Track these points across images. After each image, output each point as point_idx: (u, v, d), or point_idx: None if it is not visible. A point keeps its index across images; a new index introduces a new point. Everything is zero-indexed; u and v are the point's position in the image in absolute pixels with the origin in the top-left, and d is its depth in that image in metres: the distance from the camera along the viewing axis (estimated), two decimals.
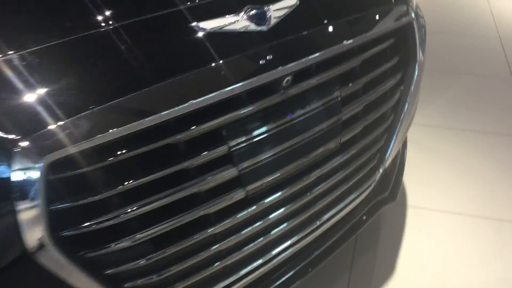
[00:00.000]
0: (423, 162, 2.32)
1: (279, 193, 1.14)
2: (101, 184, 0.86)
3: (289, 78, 1.06)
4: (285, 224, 1.21)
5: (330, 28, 1.16)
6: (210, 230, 1.02)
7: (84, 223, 0.85)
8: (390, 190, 1.68)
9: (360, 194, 1.42)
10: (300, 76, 1.09)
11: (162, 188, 0.92)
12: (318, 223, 1.29)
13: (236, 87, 0.95)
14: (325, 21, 1.15)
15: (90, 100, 0.81)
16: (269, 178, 1.10)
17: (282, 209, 1.18)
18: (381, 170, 1.47)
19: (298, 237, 1.28)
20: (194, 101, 0.89)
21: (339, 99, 1.19)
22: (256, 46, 1.01)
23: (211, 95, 0.91)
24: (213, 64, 0.93)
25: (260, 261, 1.20)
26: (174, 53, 0.93)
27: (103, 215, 0.86)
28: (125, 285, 0.97)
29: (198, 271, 1.07)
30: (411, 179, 2.20)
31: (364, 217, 1.57)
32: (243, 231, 1.10)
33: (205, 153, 0.96)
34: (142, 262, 0.95)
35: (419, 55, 1.43)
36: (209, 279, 1.12)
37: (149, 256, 0.95)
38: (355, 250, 1.84)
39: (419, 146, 2.43)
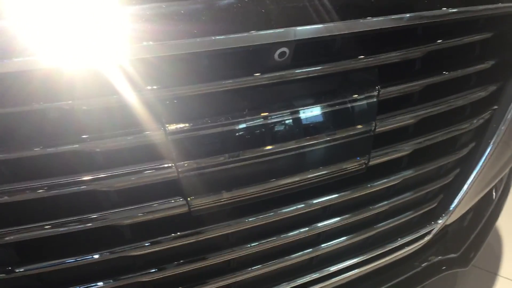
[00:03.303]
0: None
1: (258, 221, 0.78)
2: None
3: (284, 50, 0.70)
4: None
5: None
6: None
7: None
8: (463, 251, 1.20)
9: (400, 248, 0.98)
10: (309, 51, 0.73)
11: None
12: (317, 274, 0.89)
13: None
14: None
15: None
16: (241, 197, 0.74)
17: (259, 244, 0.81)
18: (442, 220, 1.01)
19: None
20: None
21: (374, 100, 0.79)
22: None
23: None
24: None
25: None
26: None
27: None
28: None
29: None
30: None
31: (415, 279, 1.12)
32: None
33: None
34: None
35: None
36: None
37: None
38: None
39: None
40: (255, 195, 0.75)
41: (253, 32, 0.64)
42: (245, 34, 0.64)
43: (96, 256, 0.70)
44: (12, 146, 0.60)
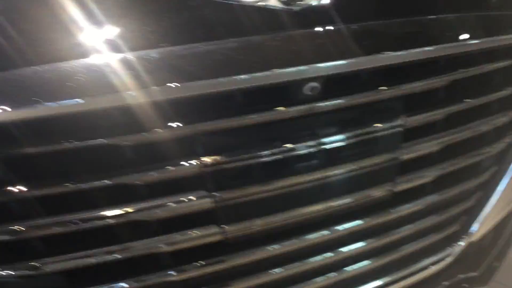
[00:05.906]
0: None
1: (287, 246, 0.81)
2: None
3: (315, 84, 0.72)
4: None
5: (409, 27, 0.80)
6: None
7: None
8: (483, 269, 1.21)
9: (423, 269, 1.00)
10: (335, 86, 0.75)
11: None
12: None
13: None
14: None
15: None
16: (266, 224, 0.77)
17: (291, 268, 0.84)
18: (463, 242, 1.03)
19: None
20: None
21: (401, 129, 0.81)
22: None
23: None
24: None
25: None
26: None
27: None
28: None
29: None
30: None
31: None
32: None
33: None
34: None
35: None
36: None
37: None
38: None
39: None
40: (287, 221, 0.78)
41: (275, 70, 0.67)
42: (268, 72, 0.66)
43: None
44: (52, 182, 0.63)
